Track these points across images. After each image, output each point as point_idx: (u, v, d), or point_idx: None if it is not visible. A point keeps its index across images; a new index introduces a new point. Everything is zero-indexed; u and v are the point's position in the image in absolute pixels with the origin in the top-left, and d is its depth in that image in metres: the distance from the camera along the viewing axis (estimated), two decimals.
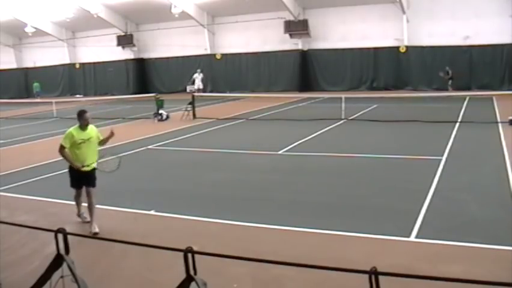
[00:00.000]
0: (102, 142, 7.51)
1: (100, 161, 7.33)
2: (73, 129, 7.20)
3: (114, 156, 7.51)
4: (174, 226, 7.27)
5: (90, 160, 7.20)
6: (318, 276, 4.76)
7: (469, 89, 26.68)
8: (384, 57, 29.86)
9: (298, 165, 11.22)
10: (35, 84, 38.88)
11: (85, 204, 7.31)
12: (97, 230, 6.98)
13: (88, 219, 7.27)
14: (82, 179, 7.23)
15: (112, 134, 7.42)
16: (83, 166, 7.11)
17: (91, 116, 7.51)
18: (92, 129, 7.35)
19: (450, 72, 26.65)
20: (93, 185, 7.21)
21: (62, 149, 7.13)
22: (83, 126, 7.21)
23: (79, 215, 7.56)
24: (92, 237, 6.69)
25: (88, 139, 7.19)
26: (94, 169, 7.30)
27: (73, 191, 7.47)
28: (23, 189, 9.68)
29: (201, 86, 31.99)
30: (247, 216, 7.38)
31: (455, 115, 17.16)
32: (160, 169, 11.42)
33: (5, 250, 6.24)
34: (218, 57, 35.05)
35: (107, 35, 36.21)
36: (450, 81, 26.70)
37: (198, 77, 32.42)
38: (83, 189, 7.27)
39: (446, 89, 26.03)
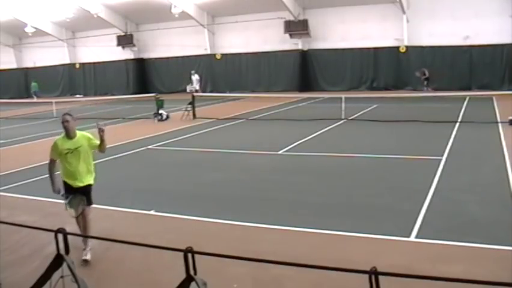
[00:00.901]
0: (101, 148, 6.26)
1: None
2: (58, 139, 6.22)
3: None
4: (174, 226, 7.27)
5: (83, 176, 6.18)
6: (318, 276, 4.76)
7: (469, 89, 26.71)
8: (384, 57, 29.86)
9: (298, 165, 11.22)
10: (33, 84, 38.88)
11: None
12: (88, 257, 5.92)
13: (88, 257, 5.95)
14: (78, 194, 6.17)
15: (101, 131, 6.12)
16: (60, 192, 6.19)
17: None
18: (82, 136, 6.22)
19: (426, 72, 26.78)
20: (89, 203, 6.23)
21: (50, 163, 6.24)
22: (68, 133, 6.12)
23: (83, 241, 6.01)
24: (92, 237, 6.70)
25: (76, 148, 6.08)
26: (90, 185, 6.28)
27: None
28: (23, 189, 9.68)
29: (197, 87, 31.96)
30: (247, 216, 7.38)
31: (455, 115, 17.16)
32: (160, 169, 11.42)
33: (5, 250, 6.24)
34: (218, 57, 35.05)
35: (107, 35, 36.21)
36: (426, 82, 26.86)
37: (193, 79, 32.42)
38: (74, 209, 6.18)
39: (422, 89, 26.24)
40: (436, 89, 26.21)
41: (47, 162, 6.32)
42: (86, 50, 39.09)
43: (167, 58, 36.59)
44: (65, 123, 6.09)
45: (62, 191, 6.18)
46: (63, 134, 6.20)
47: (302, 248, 6.15)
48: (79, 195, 6.14)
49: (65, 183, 6.22)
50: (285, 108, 23.11)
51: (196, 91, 30.13)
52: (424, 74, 26.79)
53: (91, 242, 6.05)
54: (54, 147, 6.15)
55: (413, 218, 6.88)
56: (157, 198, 8.80)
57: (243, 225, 7.06)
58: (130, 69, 37.83)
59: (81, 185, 6.17)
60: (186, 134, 16.52)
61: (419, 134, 14.44)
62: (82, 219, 6.17)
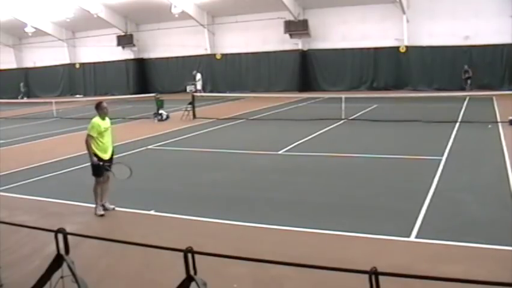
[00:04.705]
0: None
1: (115, 167, 7.99)
2: (97, 120, 7.84)
3: (127, 167, 7.86)
4: (174, 226, 7.27)
5: (111, 148, 8.05)
6: (318, 276, 4.75)
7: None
8: (384, 57, 29.84)
9: (298, 165, 11.21)
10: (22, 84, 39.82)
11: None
12: (112, 206, 7.97)
13: (102, 211, 7.84)
14: (106, 165, 7.92)
15: None
16: (100, 162, 7.78)
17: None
18: (107, 119, 8.05)
19: (470, 71, 26.62)
20: (110, 169, 7.95)
21: (89, 138, 7.76)
22: (103, 116, 7.92)
23: (97, 206, 7.82)
24: (92, 237, 6.70)
25: (108, 127, 7.97)
26: (113, 156, 8.10)
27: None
28: (23, 189, 9.68)
29: (199, 87, 31.99)
30: (247, 216, 7.38)
31: (455, 115, 17.16)
32: (160, 169, 11.42)
33: (5, 250, 6.23)
34: (218, 57, 35.04)
35: (107, 35, 36.20)
36: (469, 81, 26.70)
37: (196, 78, 32.40)
38: (103, 177, 7.93)
39: (463, 89, 26.15)
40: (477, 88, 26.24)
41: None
42: (86, 50, 39.09)
43: (167, 58, 36.58)
44: (105, 108, 7.92)
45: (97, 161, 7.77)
46: (98, 117, 7.88)
47: (302, 248, 6.15)
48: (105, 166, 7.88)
49: (96, 156, 7.80)
50: (285, 108, 23.11)
51: (197, 91, 30.09)
52: (467, 73, 26.70)
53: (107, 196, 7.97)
54: (96, 125, 7.76)
55: (413, 218, 6.88)
56: (157, 198, 8.81)
57: (243, 225, 7.06)
58: (130, 69, 37.82)
59: (108, 157, 7.95)
60: (186, 134, 16.51)
61: (419, 134, 14.44)
62: (106, 183, 7.94)
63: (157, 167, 11.67)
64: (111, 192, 8.10)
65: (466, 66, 26.90)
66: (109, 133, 7.98)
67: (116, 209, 8.06)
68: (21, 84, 40.02)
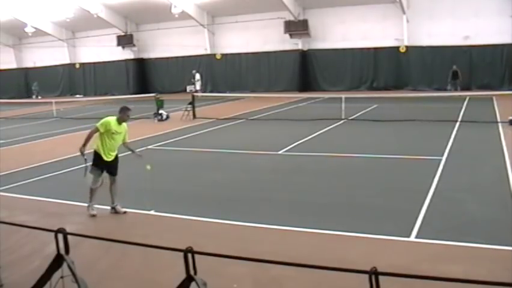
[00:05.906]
0: (124, 144, 8.11)
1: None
2: (111, 120, 7.79)
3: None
4: (174, 226, 7.27)
5: (115, 151, 7.97)
6: (318, 276, 4.75)
7: (469, 89, 26.71)
8: (384, 57, 29.85)
9: (298, 165, 11.21)
10: (35, 83, 39.46)
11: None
12: (124, 210, 7.87)
13: (95, 212, 7.78)
14: (105, 168, 7.86)
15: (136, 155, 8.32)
16: (82, 154, 7.64)
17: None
18: (124, 125, 7.98)
19: (459, 73, 26.55)
20: (116, 173, 7.97)
21: (95, 130, 7.75)
22: (121, 121, 7.86)
23: (90, 205, 7.79)
24: (92, 237, 6.70)
25: (120, 132, 7.85)
26: (117, 160, 8.02)
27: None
28: (23, 189, 9.67)
29: (198, 87, 31.99)
30: (247, 216, 7.38)
31: (455, 115, 17.15)
32: (160, 169, 11.40)
33: (5, 250, 6.23)
34: (218, 57, 35.05)
35: (107, 35, 36.22)
36: (449, 85, 26.69)
37: (195, 78, 32.43)
38: (104, 179, 7.89)
39: (452, 89, 26.14)
40: (463, 89, 26.26)
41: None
42: (86, 50, 39.09)
43: (167, 58, 36.59)
44: (128, 114, 7.90)
45: (85, 156, 7.67)
46: (115, 118, 7.82)
47: (302, 248, 6.15)
48: (104, 171, 7.84)
49: (97, 154, 7.79)
50: (285, 108, 23.11)
51: (196, 91, 30.09)
52: (456, 75, 26.67)
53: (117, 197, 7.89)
54: (107, 123, 7.72)
55: (413, 218, 6.88)
56: (157, 198, 8.80)
57: (243, 225, 7.06)
58: (130, 69, 37.83)
59: (111, 159, 7.85)
60: (186, 134, 16.51)
61: (419, 134, 14.43)
62: (112, 185, 7.89)
63: (157, 167, 11.63)
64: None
65: (454, 67, 26.78)
66: (119, 138, 7.87)
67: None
68: (35, 84, 40.03)
